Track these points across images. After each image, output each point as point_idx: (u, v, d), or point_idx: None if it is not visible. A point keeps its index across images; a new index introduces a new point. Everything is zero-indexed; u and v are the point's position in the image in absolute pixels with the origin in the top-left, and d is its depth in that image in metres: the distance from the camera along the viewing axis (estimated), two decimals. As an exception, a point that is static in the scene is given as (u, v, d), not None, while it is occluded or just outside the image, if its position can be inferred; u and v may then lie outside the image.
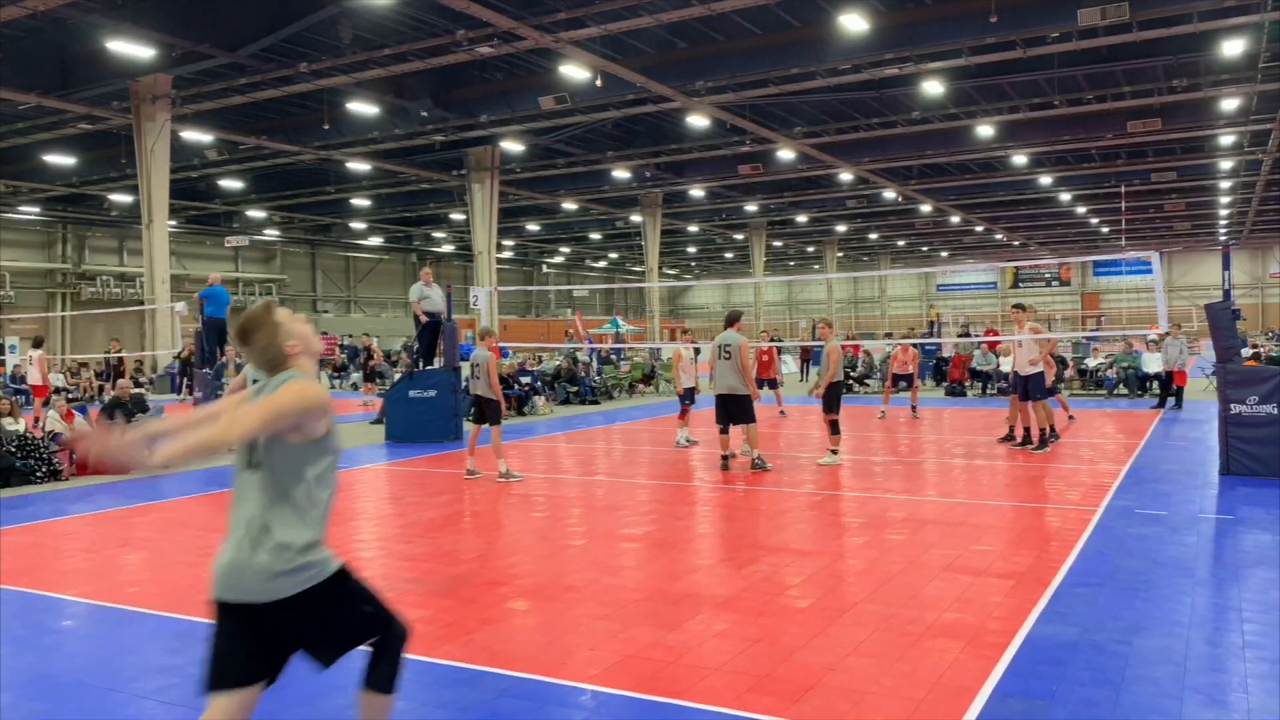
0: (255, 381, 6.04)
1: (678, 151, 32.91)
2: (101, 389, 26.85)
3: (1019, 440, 12.89)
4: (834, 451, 11.88)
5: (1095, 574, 6.36)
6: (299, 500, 3.07)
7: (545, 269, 74.24)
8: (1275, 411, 9.93)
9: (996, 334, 28.15)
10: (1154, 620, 5.37)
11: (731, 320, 11.59)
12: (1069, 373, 22.01)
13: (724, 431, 11.48)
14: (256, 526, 3.05)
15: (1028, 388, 12.59)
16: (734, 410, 11.30)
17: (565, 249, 66.39)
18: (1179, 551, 6.98)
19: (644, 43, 22.17)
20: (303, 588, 3.01)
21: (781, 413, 18.35)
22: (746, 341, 11.35)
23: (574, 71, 22.16)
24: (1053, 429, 13.19)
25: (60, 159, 31.62)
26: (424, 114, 26.38)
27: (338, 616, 3.12)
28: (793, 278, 71.19)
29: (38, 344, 19.90)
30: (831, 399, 11.93)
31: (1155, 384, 20.18)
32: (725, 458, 11.52)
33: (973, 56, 21.27)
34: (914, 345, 19.04)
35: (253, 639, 3.02)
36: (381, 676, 3.28)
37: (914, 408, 17.90)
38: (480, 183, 34.86)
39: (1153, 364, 20.57)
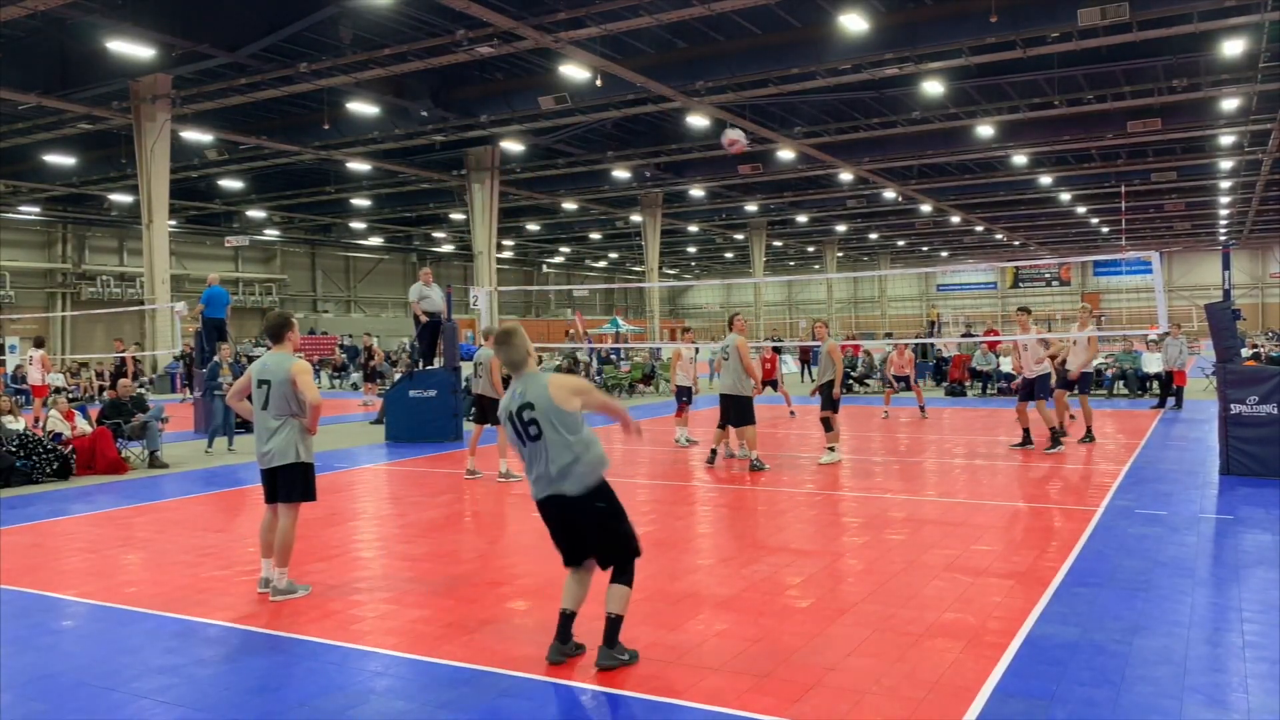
0: (261, 385, 6.09)
1: (678, 151, 32.91)
2: (102, 389, 26.85)
3: (1032, 440, 12.80)
4: (831, 449, 11.92)
5: (1095, 574, 6.36)
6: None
7: (545, 269, 74.25)
8: (1275, 411, 9.92)
9: (997, 334, 28.16)
10: (1154, 620, 5.37)
11: (731, 321, 11.94)
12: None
13: (721, 427, 11.69)
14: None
15: (1033, 389, 12.64)
16: (732, 411, 11.41)
17: (565, 249, 66.39)
18: (1179, 551, 6.98)
19: (644, 43, 22.16)
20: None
21: (791, 413, 18.40)
22: (744, 341, 11.46)
23: (574, 71, 22.16)
24: (1061, 427, 13.26)
25: (60, 159, 31.62)
26: (424, 114, 26.38)
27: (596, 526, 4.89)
28: (793, 278, 71.23)
29: (39, 344, 19.92)
30: (828, 397, 11.99)
31: (1155, 384, 20.18)
32: (714, 452, 11.78)
33: (973, 56, 21.26)
34: (909, 345, 19.09)
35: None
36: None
37: (922, 408, 17.95)
38: (480, 183, 34.86)
39: (1153, 364, 20.57)
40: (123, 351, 26.86)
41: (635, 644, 5.13)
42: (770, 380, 18.47)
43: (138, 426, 12.98)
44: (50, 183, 34.82)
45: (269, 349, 6.36)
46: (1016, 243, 66.01)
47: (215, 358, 15.58)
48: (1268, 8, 18.44)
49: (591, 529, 4.82)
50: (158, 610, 5.98)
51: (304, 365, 6.15)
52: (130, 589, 6.52)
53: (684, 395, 14.67)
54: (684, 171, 38.47)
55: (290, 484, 6.15)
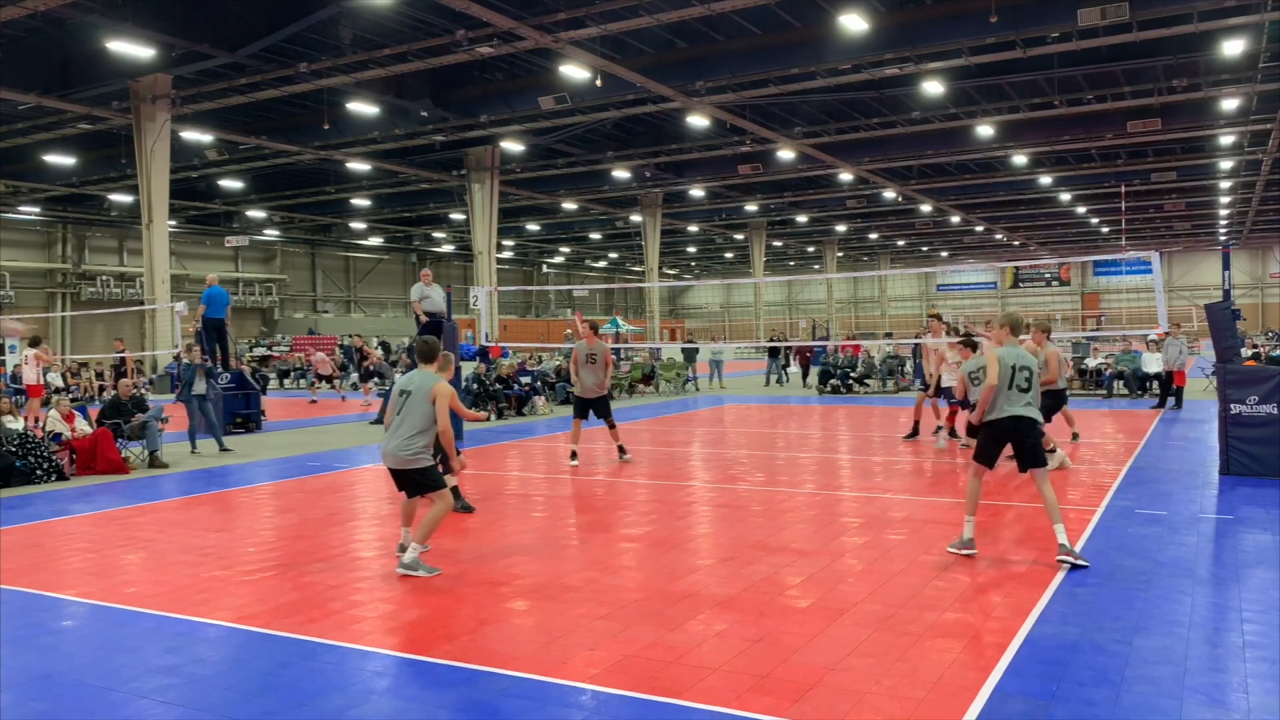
0: (403, 394, 6.83)
1: (678, 151, 32.92)
2: (102, 389, 26.84)
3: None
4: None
5: (1095, 574, 6.36)
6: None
7: (545, 269, 74.26)
8: (1275, 411, 9.92)
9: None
10: (1154, 620, 5.37)
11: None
12: (1069, 373, 21.98)
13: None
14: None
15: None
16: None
17: (565, 249, 66.40)
18: (1179, 551, 6.98)
19: (644, 43, 22.17)
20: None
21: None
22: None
23: (574, 71, 22.16)
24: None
25: (60, 159, 31.63)
26: (424, 114, 26.38)
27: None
28: (793, 278, 71.22)
29: (34, 343, 19.85)
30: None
31: (1155, 384, 20.18)
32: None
33: (973, 56, 21.27)
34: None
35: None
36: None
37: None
38: (480, 183, 34.87)
39: (1152, 364, 20.57)
40: (123, 352, 26.84)
41: (635, 643, 5.13)
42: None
43: (137, 426, 12.97)
44: (50, 183, 34.83)
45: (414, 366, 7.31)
46: (1016, 243, 66.02)
47: (206, 359, 15.53)
48: (1268, 8, 18.45)
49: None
50: (158, 610, 5.98)
51: (445, 388, 6.86)
52: (130, 589, 6.52)
53: (949, 396, 13.25)
54: (684, 171, 38.49)
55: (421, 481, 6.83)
